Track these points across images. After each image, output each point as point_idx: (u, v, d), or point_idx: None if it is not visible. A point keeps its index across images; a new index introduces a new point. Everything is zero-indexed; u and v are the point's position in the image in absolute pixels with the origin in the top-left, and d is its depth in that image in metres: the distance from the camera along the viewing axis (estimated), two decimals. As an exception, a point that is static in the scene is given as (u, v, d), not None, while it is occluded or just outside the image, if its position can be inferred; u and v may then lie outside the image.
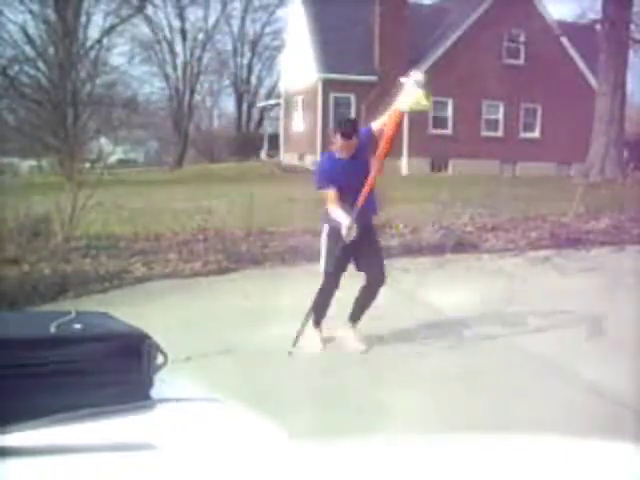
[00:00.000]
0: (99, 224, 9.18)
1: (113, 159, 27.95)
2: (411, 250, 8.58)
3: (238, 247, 8.43)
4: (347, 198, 4.66)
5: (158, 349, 1.26)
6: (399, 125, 4.64)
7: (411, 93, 4.56)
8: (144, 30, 38.87)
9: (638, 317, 5.48)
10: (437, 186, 14.12)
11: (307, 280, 6.95)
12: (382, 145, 4.61)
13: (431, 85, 4.80)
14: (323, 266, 4.84)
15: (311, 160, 24.88)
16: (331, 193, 4.69)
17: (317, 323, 4.99)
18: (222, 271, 7.62)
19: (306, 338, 4.80)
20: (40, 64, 28.50)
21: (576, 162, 22.27)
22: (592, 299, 6.32)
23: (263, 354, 4.77)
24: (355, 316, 5.01)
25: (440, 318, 5.77)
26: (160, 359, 1.27)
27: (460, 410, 3.78)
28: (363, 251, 4.78)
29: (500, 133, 25.62)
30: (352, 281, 4.93)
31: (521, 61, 25.37)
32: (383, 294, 4.95)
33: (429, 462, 1.03)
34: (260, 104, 38.24)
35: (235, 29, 42.85)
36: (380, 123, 4.68)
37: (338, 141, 4.65)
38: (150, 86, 43.47)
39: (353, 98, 24.58)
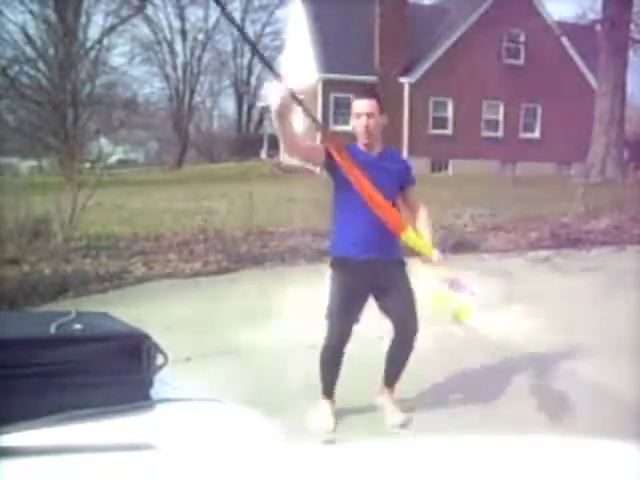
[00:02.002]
0: (99, 224, 9.20)
1: (113, 159, 27.90)
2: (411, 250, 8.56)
3: (238, 247, 8.44)
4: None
5: (158, 349, 1.26)
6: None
7: (450, 298, 3.63)
8: (144, 30, 39.00)
9: (638, 317, 5.48)
10: (437, 186, 14.15)
11: (306, 280, 6.96)
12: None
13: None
14: (325, 314, 3.64)
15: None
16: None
17: (326, 394, 3.75)
18: (222, 271, 7.63)
19: (315, 413, 3.70)
20: (40, 64, 28.47)
21: (576, 162, 22.26)
22: (592, 299, 6.33)
23: (263, 354, 4.77)
24: (389, 379, 3.81)
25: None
26: (160, 359, 1.27)
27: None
28: (386, 289, 3.69)
29: (500, 133, 25.62)
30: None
31: (521, 61, 25.37)
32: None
33: (430, 464, 1.03)
34: (260, 104, 38.22)
35: (235, 29, 42.88)
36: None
37: (353, 109, 3.79)
38: (150, 86, 43.68)
39: (353, 98, 24.54)
